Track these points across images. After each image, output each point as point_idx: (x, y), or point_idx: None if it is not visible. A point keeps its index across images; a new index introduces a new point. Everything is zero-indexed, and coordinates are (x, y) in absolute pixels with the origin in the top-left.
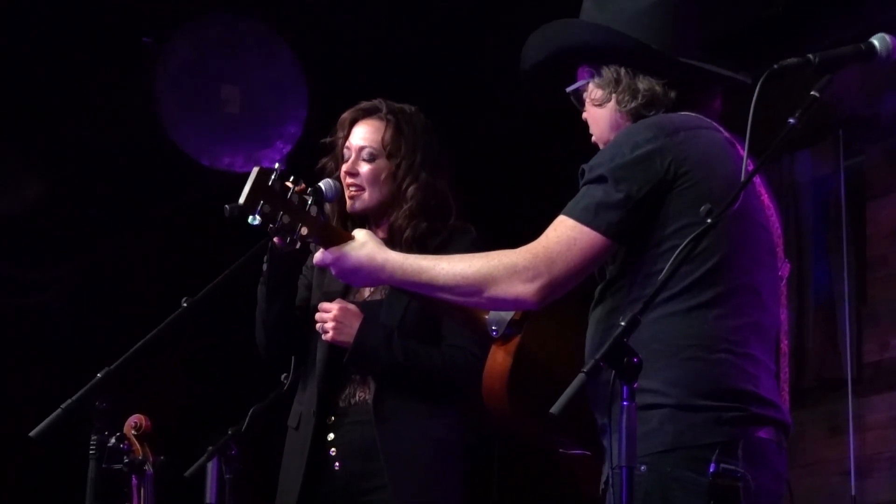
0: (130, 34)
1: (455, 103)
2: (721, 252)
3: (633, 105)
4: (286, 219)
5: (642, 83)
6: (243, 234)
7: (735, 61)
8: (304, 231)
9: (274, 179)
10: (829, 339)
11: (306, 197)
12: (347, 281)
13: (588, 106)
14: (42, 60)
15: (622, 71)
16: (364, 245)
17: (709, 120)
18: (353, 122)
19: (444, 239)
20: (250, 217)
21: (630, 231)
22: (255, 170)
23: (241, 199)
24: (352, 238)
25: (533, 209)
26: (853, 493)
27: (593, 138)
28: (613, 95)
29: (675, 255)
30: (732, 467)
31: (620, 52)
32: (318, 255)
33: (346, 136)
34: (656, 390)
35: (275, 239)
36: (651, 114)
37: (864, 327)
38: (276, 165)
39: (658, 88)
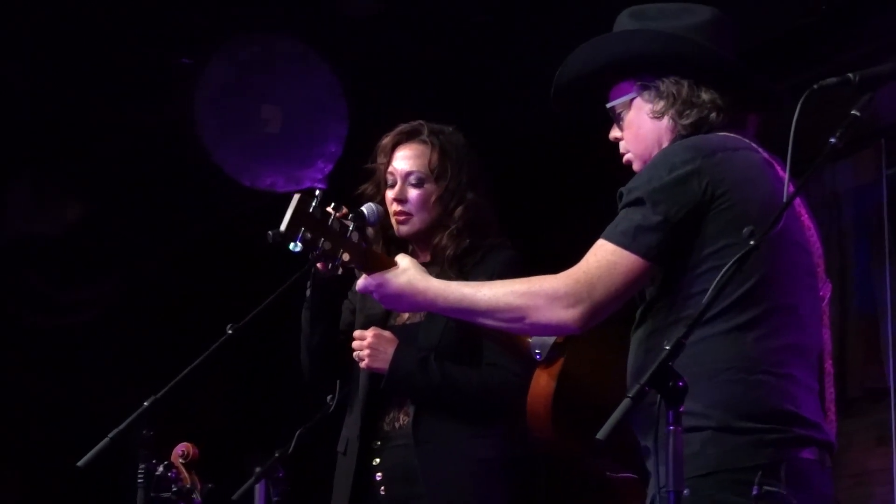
0: (170, 56)
1: (495, 119)
2: (759, 273)
3: (691, 119)
4: (327, 245)
5: (706, 95)
6: (286, 258)
7: (769, 72)
8: (346, 257)
9: (315, 206)
10: (872, 348)
11: (347, 223)
12: (390, 307)
13: (634, 120)
14: (83, 82)
15: (685, 83)
16: (406, 271)
17: (746, 140)
18: (395, 147)
19: (481, 255)
20: (291, 244)
21: (668, 253)
22: (296, 196)
23: (283, 227)
24: (394, 264)
25: (569, 222)
26: None
27: (627, 156)
28: (672, 109)
29: (718, 279)
30: (776, 489)
31: (690, 62)
32: (361, 282)
33: (389, 161)
34: (697, 413)
35: (317, 264)
36: (705, 129)
37: None
38: (317, 192)
39: (721, 102)
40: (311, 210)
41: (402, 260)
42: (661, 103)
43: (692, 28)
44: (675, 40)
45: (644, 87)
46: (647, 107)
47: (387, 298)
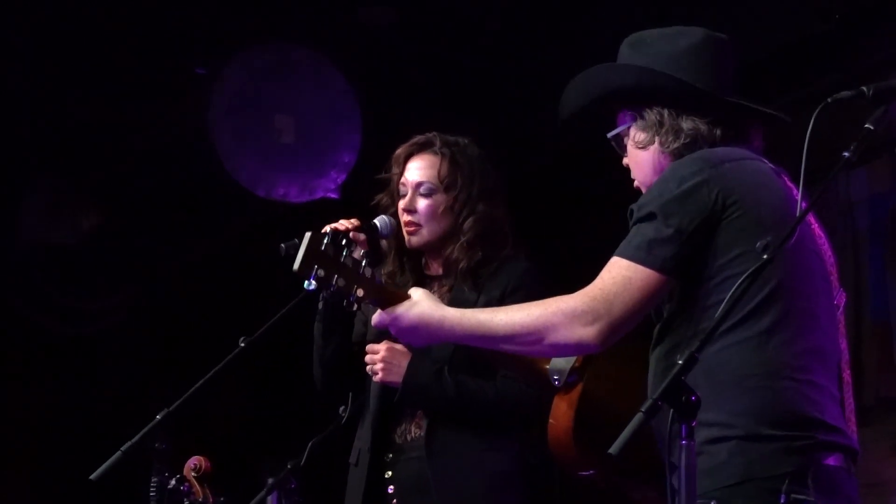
0: (184, 65)
1: (511, 129)
2: (777, 278)
3: (675, 146)
4: (341, 282)
5: (686, 123)
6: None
7: (782, 81)
8: (360, 293)
9: (327, 243)
10: (886, 356)
11: (360, 258)
12: (408, 341)
13: (630, 150)
14: (96, 92)
15: (665, 112)
16: (417, 304)
17: (752, 152)
18: (407, 158)
19: (496, 268)
20: (306, 283)
21: (684, 265)
22: (307, 235)
23: (296, 266)
24: (407, 297)
25: (586, 232)
26: None
27: (636, 183)
28: (657, 137)
29: (731, 292)
30: (803, 497)
31: (664, 93)
32: (376, 318)
33: (402, 172)
34: (722, 423)
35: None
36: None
37: None
38: (328, 230)
39: (702, 127)
40: (322, 248)
41: (415, 292)
42: (646, 134)
43: (683, 52)
44: (648, 73)
45: (635, 118)
46: (640, 135)
47: (402, 333)
